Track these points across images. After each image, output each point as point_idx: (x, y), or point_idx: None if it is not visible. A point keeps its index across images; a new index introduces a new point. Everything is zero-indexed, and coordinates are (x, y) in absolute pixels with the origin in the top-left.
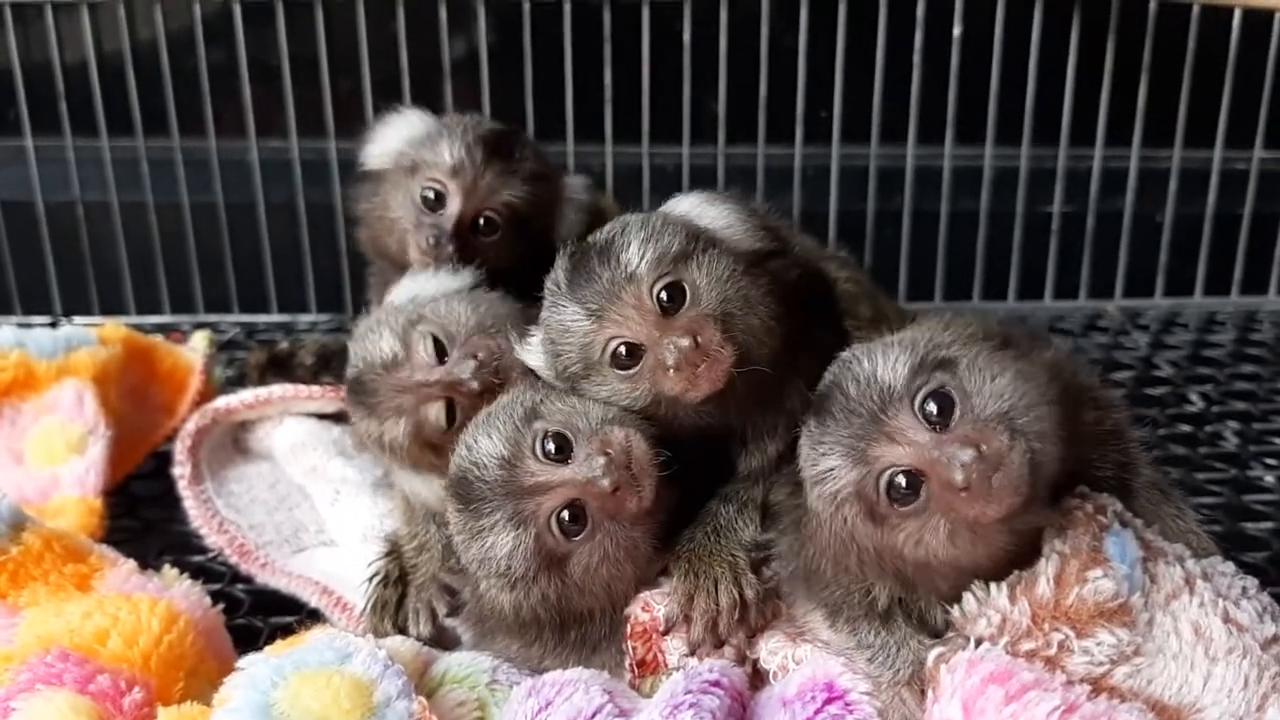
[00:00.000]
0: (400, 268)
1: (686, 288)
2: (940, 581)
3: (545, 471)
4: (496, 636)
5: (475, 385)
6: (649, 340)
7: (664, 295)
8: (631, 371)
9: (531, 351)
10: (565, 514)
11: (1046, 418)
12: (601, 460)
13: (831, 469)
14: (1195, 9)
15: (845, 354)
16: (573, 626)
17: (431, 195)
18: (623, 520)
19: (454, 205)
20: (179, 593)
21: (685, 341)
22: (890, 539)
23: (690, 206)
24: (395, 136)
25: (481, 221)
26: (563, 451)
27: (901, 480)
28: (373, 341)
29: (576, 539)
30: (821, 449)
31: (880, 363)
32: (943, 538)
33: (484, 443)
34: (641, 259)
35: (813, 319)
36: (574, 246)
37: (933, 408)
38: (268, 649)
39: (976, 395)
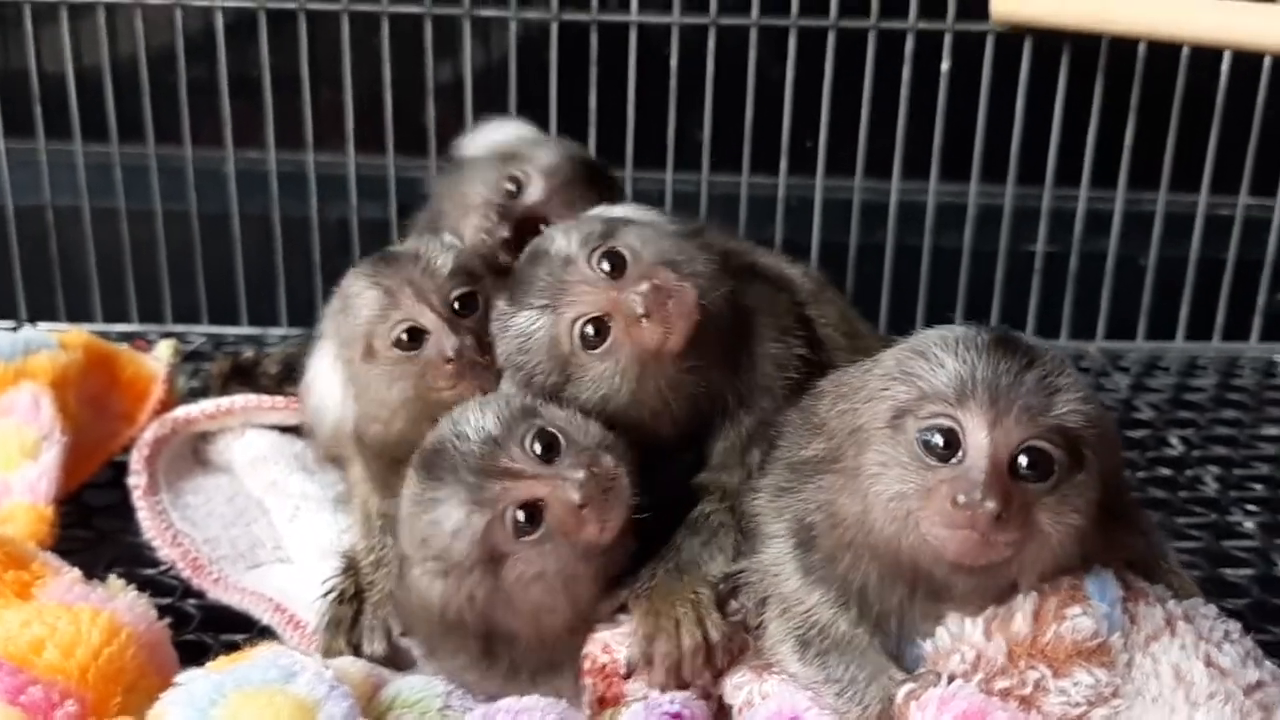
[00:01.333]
0: None
1: (623, 250)
2: None
3: (524, 462)
4: (437, 652)
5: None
6: (609, 304)
7: (605, 264)
8: (605, 345)
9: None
10: (522, 512)
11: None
12: (582, 473)
13: None
14: (1185, 52)
15: None
16: (502, 649)
17: (514, 186)
18: (575, 543)
19: (532, 196)
20: (123, 604)
21: (645, 285)
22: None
23: (606, 210)
24: (501, 132)
25: (543, 227)
26: (549, 452)
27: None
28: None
29: (524, 539)
30: None
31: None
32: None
33: (474, 419)
34: (569, 242)
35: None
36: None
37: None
38: (209, 665)
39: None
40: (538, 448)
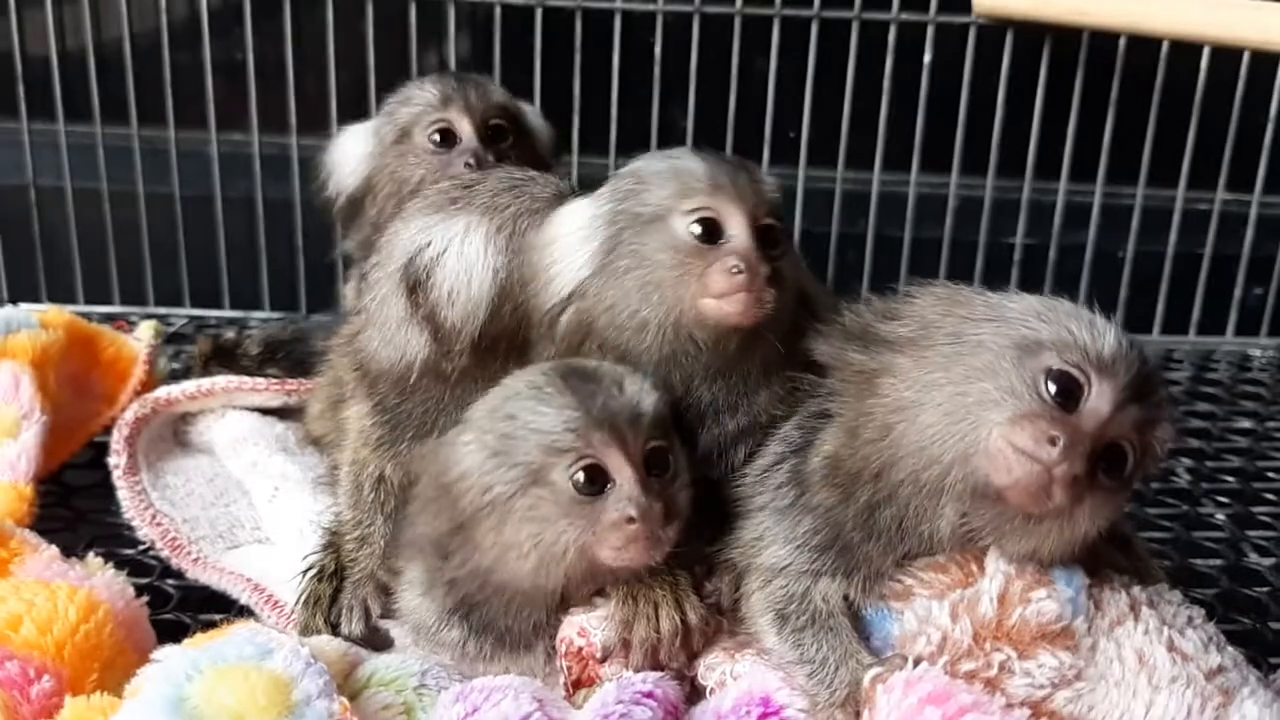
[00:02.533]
0: None
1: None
2: None
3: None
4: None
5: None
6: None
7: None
8: (709, 250)
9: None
10: (584, 474)
11: None
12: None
13: None
14: (1164, 47)
15: None
16: (476, 602)
17: (438, 135)
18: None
19: (464, 127)
20: (100, 582)
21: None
22: None
23: None
24: (355, 144)
25: (495, 128)
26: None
27: None
28: None
29: (590, 493)
30: None
31: None
32: None
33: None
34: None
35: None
36: None
37: None
38: (186, 642)
39: None
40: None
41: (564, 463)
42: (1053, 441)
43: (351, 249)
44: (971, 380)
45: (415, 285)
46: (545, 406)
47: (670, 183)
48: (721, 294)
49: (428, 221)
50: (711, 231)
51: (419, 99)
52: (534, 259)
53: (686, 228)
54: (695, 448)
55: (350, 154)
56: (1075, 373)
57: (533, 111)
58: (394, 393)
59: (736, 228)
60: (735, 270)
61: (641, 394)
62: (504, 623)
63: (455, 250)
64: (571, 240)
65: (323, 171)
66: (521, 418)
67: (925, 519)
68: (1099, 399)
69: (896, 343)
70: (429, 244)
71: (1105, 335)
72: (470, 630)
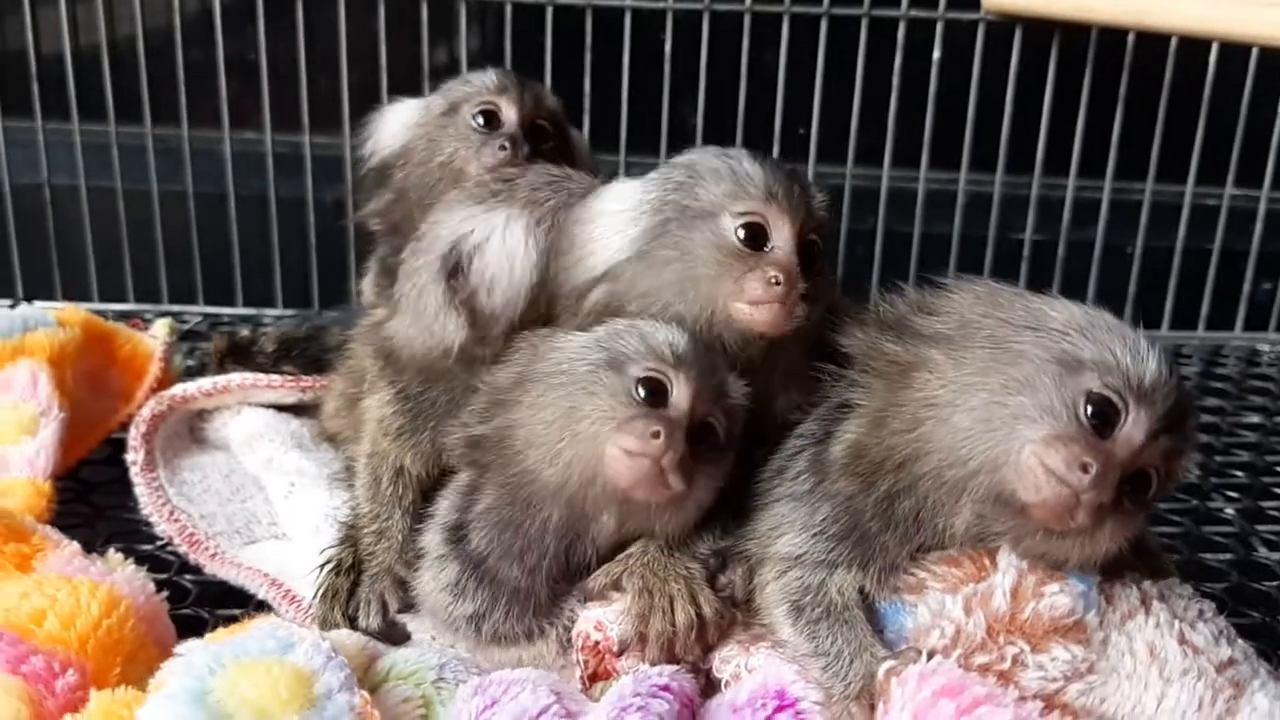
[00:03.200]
0: None
1: (819, 249)
2: None
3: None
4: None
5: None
6: (782, 244)
7: (808, 244)
8: (748, 252)
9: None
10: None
11: None
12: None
13: None
14: (1173, 43)
15: None
16: (493, 551)
17: (484, 117)
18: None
19: (510, 114)
20: (121, 578)
21: (801, 284)
22: None
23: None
24: (401, 114)
25: (534, 129)
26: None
27: None
28: None
29: (649, 408)
30: None
31: None
32: None
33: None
34: (814, 191)
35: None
36: None
37: None
38: (208, 636)
39: None
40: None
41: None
42: (1085, 469)
43: (367, 216)
44: (1010, 392)
45: (455, 271)
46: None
47: (725, 182)
48: (756, 301)
49: (470, 211)
50: (757, 237)
51: (476, 81)
52: (573, 231)
53: (734, 229)
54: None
55: (396, 119)
56: (1115, 398)
57: (579, 136)
58: (418, 380)
59: (782, 239)
60: (774, 281)
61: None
62: (519, 579)
63: (497, 239)
64: (615, 221)
65: (365, 131)
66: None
67: (942, 514)
68: (1135, 427)
69: (934, 338)
70: (471, 232)
71: (1148, 361)
72: (484, 600)
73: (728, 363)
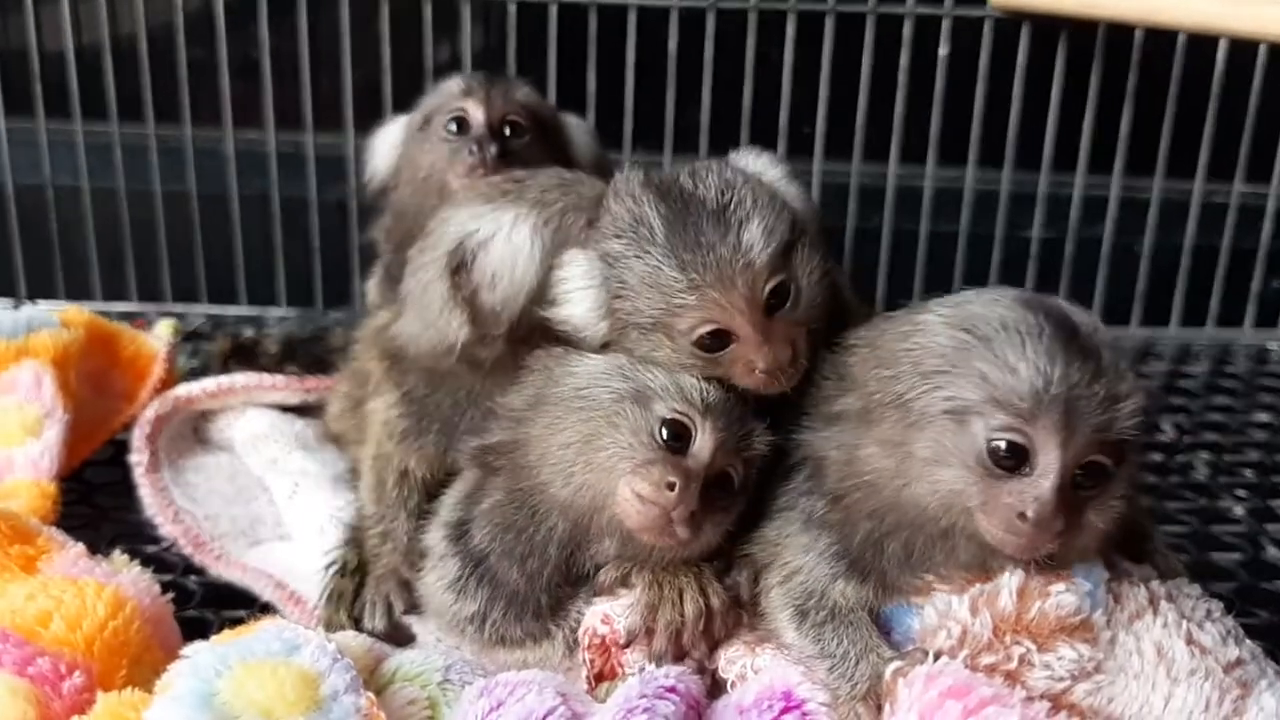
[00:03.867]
0: None
1: (792, 289)
2: None
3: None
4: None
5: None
6: (745, 336)
7: (773, 296)
8: (713, 356)
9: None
10: (667, 430)
11: None
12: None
13: None
14: (1181, 39)
15: None
16: (494, 552)
17: (455, 123)
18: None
19: (478, 116)
20: (127, 579)
21: (786, 354)
22: None
23: (765, 168)
24: (388, 135)
25: (508, 129)
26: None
27: None
28: None
29: (669, 452)
30: None
31: None
32: None
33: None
34: (763, 248)
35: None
36: (661, 180)
37: None
38: (214, 638)
39: None
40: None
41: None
42: (1022, 517)
43: (375, 236)
44: (933, 465)
45: (459, 267)
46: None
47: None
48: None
49: (478, 210)
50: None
51: (444, 90)
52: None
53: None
54: None
55: (385, 142)
56: (1011, 437)
57: (579, 125)
58: (423, 383)
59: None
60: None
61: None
62: (518, 582)
63: (503, 236)
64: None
65: (364, 156)
66: None
67: (939, 549)
68: (1046, 449)
69: (849, 417)
70: (478, 230)
71: (1015, 370)
72: (484, 600)
73: (751, 408)
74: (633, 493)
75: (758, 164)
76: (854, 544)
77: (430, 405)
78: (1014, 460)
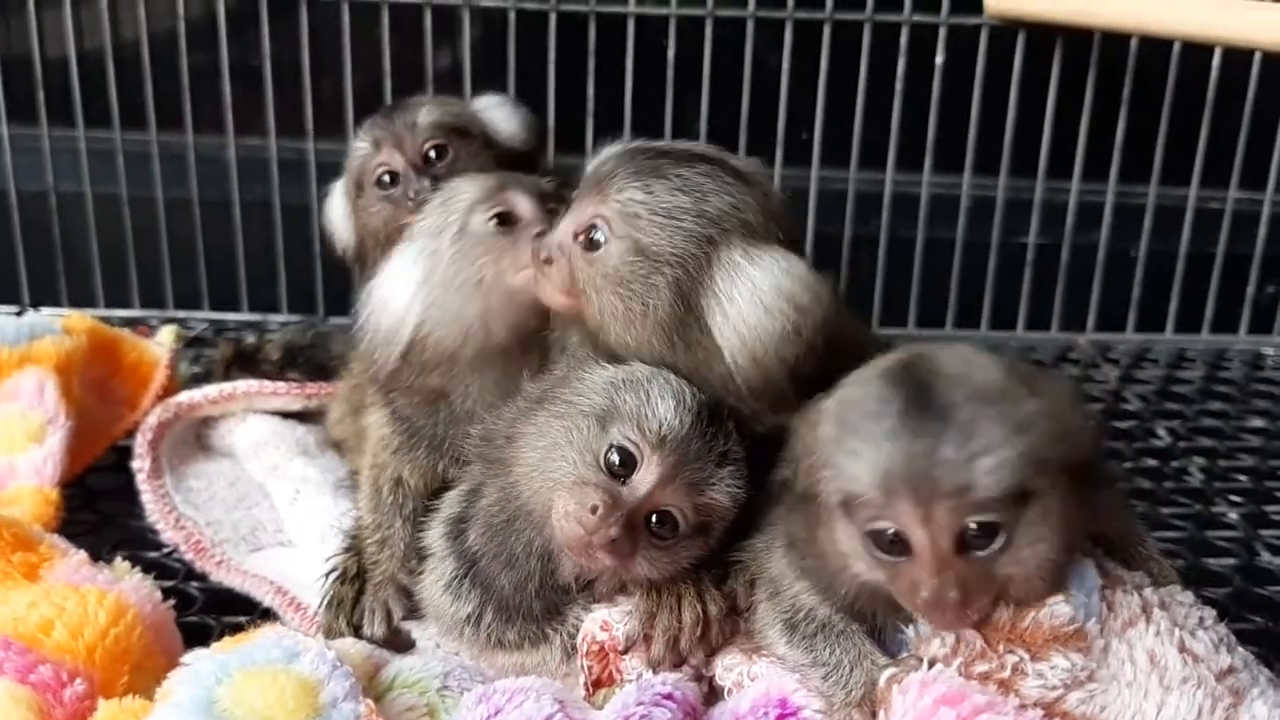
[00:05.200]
0: None
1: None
2: None
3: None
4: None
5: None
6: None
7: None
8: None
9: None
10: (618, 455)
11: None
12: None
13: None
14: (1176, 46)
15: None
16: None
17: (385, 177)
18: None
19: (398, 162)
20: (129, 586)
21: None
22: None
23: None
24: (335, 208)
25: (431, 154)
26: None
27: None
28: None
29: (609, 477)
30: None
31: None
32: None
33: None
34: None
35: None
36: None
37: None
38: (214, 645)
39: None
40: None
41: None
42: (921, 600)
43: None
44: (846, 556)
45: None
46: None
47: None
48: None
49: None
50: None
51: (358, 152)
52: None
53: None
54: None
55: (334, 215)
56: (879, 526)
57: (495, 105)
58: (408, 402)
59: None
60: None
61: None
62: (505, 588)
63: (384, 276)
64: None
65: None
66: None
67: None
68: (912, 528)
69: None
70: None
71: (861, 457)
72: (483, 600)
73: (735, 445)
74: (562, 508)
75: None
76: (844, 597)
77: (416, 423)
78: (897, 545)
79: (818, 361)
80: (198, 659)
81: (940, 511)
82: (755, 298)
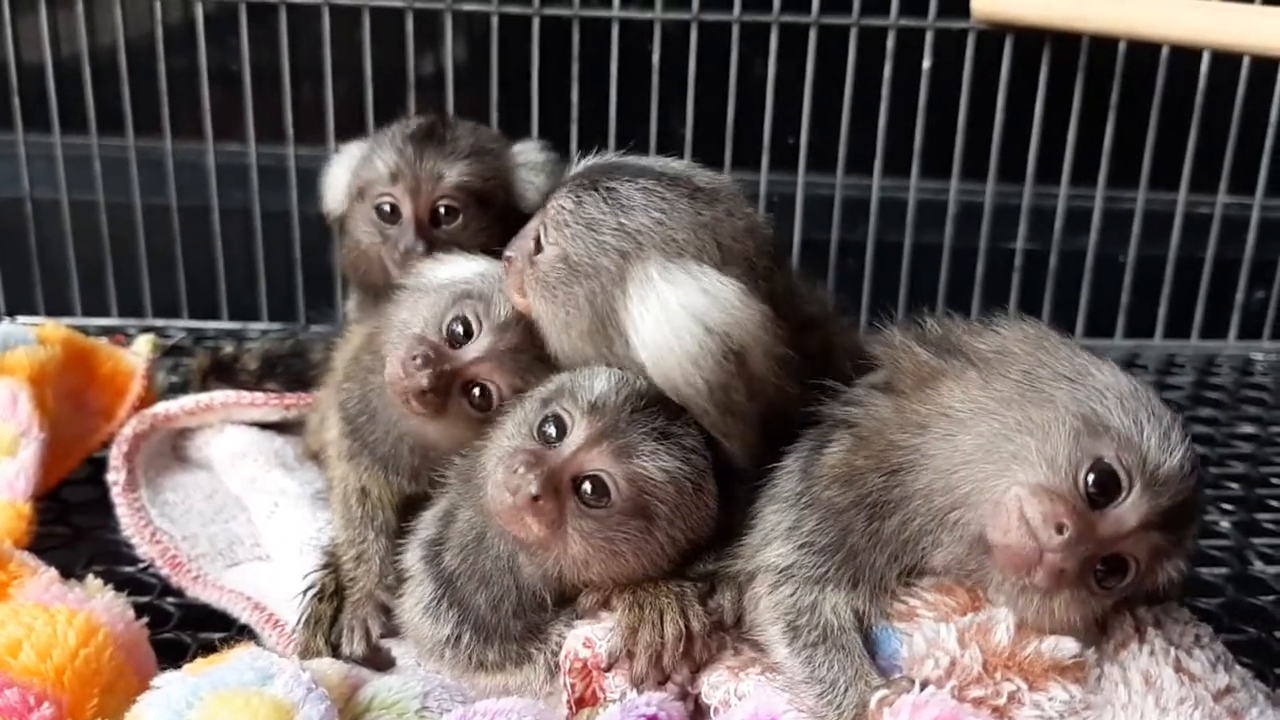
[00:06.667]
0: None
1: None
2: None
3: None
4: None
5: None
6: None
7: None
8: None
9: None
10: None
11: None
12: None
13: None
14: (1164, 51)
15: None
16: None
17: (386, 208)
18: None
19: (406, 208)
20: (100, 605)
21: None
22: None
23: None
24: (341, 172)
25: (442, 211)
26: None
27: None
28: None
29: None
30: None
31: None
32: None
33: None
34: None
35: None
36: None
37: None
38: (186, 667)
39: None
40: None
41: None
42: (1059, 529)
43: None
44: (1022, 431)
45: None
46: None
47: None
48: None
49: None
50: None
51: (375, 166)
52: None
53: None
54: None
55: (334, 182)
56: (1122, 474)
57: (531, 164)
58: (357, 398)
59: None
60: None
61: None
62: (482, 608)
63: None
64: None
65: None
66: None
67: (926, 540)
68: (1131, 510)
69: (971, 355)
70: None
71: (1173, 453)
72: (460, 621)
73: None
74: (493, 480)
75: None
76: (851, 526)
77: (362, 425)
78: (1101, 494)
79: (784, 390)
80: (168, 682)
81: (1164, 508)
82: (663, 315)
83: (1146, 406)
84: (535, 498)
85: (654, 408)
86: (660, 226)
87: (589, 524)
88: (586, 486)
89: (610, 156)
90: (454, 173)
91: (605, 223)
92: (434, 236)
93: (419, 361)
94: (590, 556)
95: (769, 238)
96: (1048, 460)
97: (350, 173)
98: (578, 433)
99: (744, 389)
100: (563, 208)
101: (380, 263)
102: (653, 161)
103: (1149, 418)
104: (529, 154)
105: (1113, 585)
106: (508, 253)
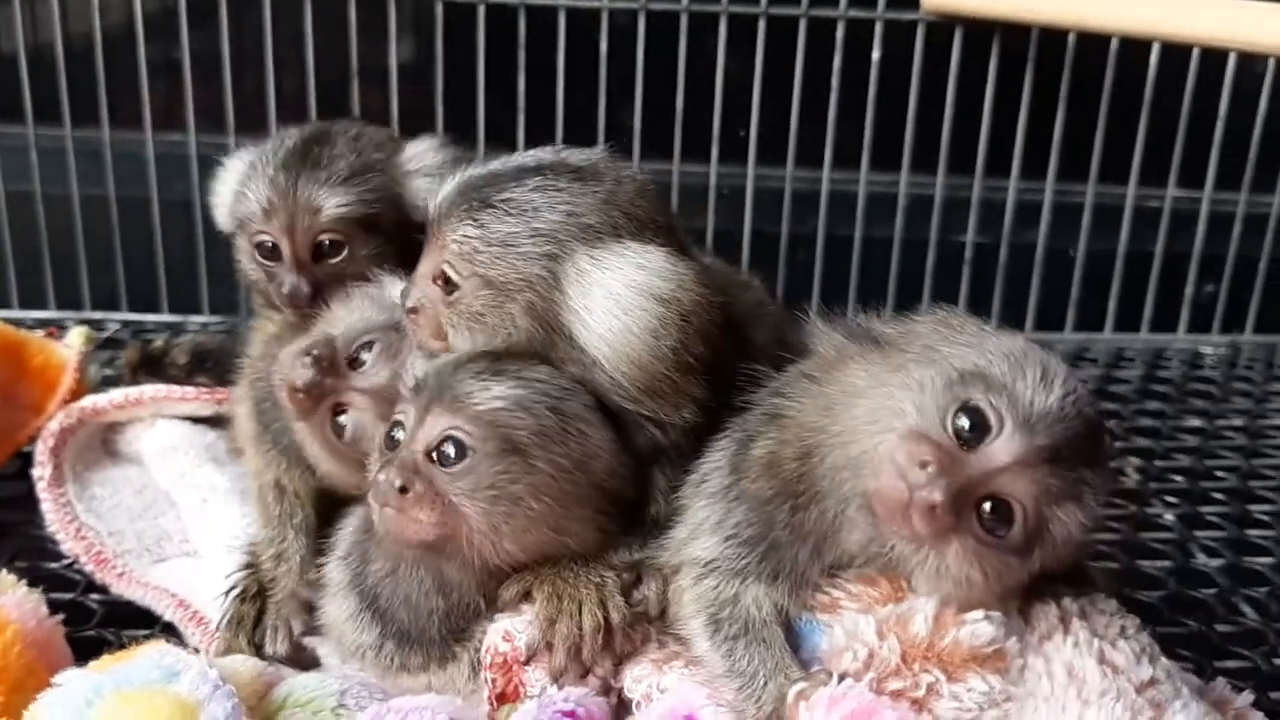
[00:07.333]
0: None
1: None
2: None
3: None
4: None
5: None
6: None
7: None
8: None
9: None
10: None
11: None
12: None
13: None
14: (1114, 44)
15: None
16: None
17: (268, 245)
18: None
19: (285, 248)
20: (10, 601)
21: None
22: None
23: None
24: (225, 191)
25: (326, 245)
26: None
27: None
28: None
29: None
30: None
31: None
32: None
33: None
34: None
35: None
36: None
37: None
38: (91, 664)
39: None
40: None
41: None
42: (923, 465)
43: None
44: (906, 388)
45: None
46: None
47: None
48: None
49: None
50: None
51: (248, 201)
52: None
53: None
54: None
55: (220, 202)
56: (990, 414)
57: (425, 169)
58: (266, 381)
59: None
60: None
61: None
62: (406, 619)
63: None
64: None
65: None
66: None
67: (842, 525)
68: (1002, 448)
69: (881, 338)
70: None
71: (1050, 393)
72: (382, 633)
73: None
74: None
75: None
76: (775, 518)
77: (268, 412)
78: (970, 434)
79: (717, 345)
80: (70, 680)
81: (1040, 445)
82: (611, 301)
83: (1032, 357)
84: (403, 489)
85: (477, 360)
86: (571, 218)
87: (467, 482)
88: (447, 449)
89: (469, 170)
90: (333, 203)
91: (518, 235)
92: (317, 275)
93: (308, 360)
94: (494, 518)
95: (654, 191)
96: (919, 408)
97: (230, 196)
98: (410, 417)
99: (700, 342)
100: (466, 237)
101: (267, 294)
102: (518, 160)
103: (1031, 365)
104: (422, 158)
105: (1004, 534)
106: (410, 304)
